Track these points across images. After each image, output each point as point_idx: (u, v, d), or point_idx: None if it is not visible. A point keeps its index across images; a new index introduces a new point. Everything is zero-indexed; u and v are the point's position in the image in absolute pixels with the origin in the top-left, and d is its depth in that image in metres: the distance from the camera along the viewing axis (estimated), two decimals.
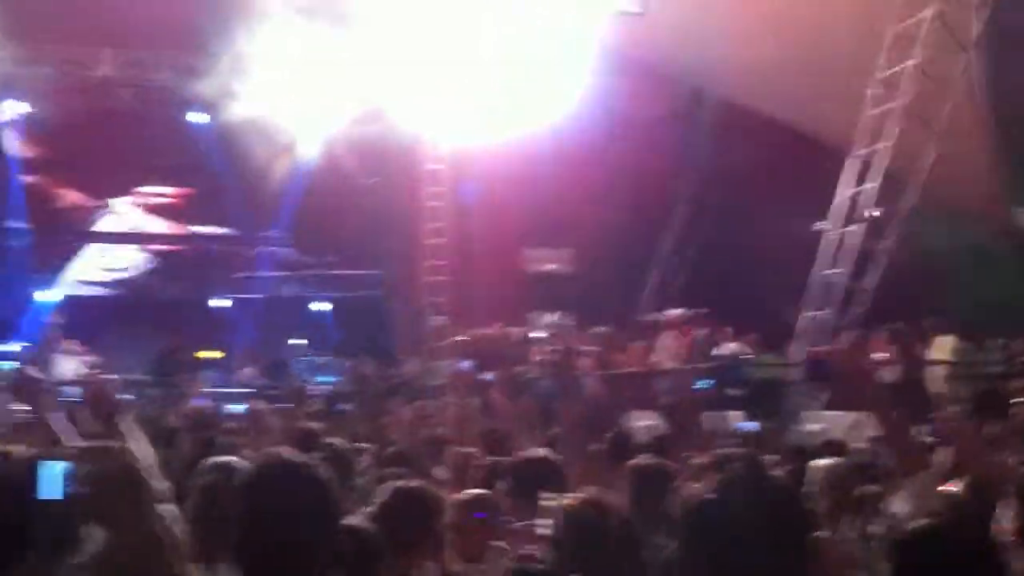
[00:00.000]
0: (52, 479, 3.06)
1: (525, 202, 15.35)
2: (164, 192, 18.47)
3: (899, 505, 3.50)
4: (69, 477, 2.79)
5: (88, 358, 14.73)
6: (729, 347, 12.51)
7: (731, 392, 10.73)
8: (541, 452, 4.77)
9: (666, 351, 12.58)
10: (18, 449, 3.21)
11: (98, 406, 3.74)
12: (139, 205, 18.59)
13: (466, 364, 12.63)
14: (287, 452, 2.70)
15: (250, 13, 13.03)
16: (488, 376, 10.01)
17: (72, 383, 12.77)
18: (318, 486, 2.52)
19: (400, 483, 4.00)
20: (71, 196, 18.37)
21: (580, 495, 3.56)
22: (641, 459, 4.63)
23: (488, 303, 15.07)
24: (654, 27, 13.17)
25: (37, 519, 3.08)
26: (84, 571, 2.91)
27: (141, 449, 3.33)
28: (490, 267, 15.90)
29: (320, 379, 13.78)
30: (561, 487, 4.01)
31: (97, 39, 15.11)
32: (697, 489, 2.47)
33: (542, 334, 14.63)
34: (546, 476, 4.30)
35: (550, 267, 16.73)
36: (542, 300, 15.54)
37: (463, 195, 15.15)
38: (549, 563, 3.31)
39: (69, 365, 14.25)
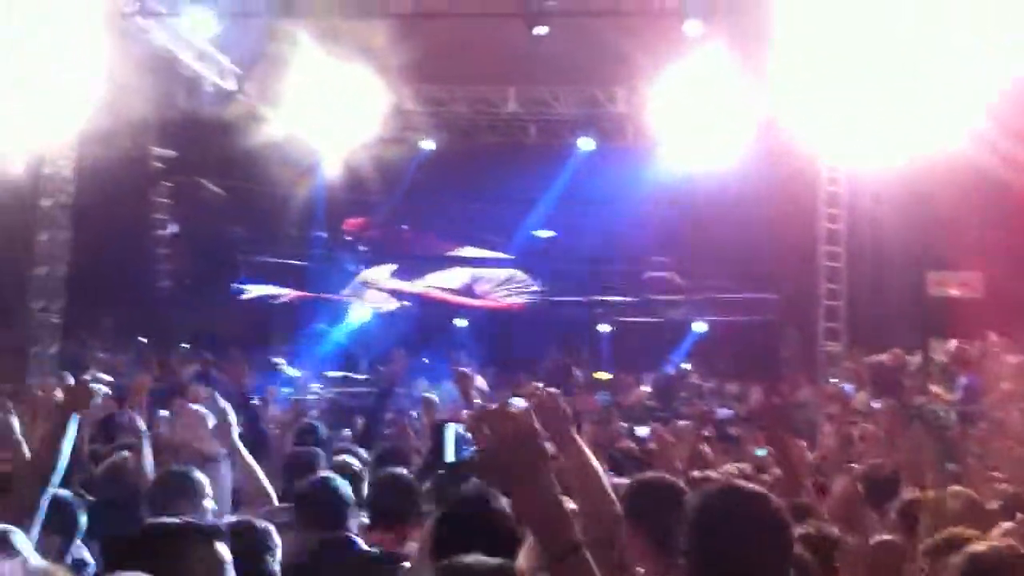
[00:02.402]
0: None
1: (927, 224, 14.56)
2: None
3: None
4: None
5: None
6: None
7: None
8: None
9: None
10: None
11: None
12: None
13: (849, 388, 12.22)
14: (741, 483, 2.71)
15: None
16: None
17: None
18: (772, 516, 2.51)
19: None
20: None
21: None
22: None
23: (887, 328, 14.41)
24: None
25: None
26: None
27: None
28: (890, 291, 15.22)
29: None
30: None
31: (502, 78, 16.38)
32: None
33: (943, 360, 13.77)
34: None
35: (954, 292, 15.65)
36: (946, 326, 14.59)
37: (861, 218, 14.63)
38: None
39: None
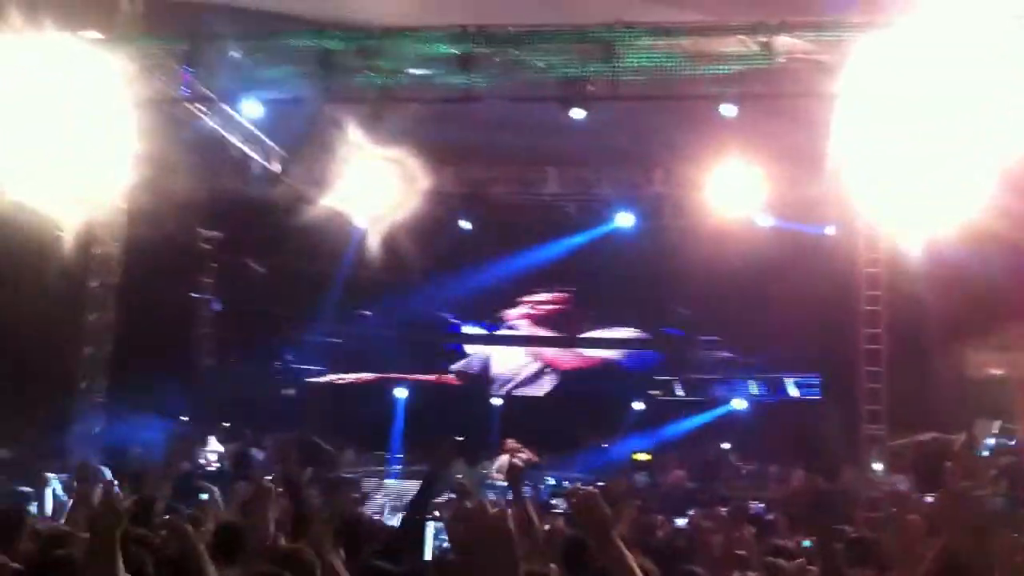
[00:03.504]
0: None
1: (968, 304, 14.41)
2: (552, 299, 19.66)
3: None
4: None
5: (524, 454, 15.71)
6: None
7: None
8: None
9: None
10: None
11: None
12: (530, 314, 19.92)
13: (902, 481, 11.96)
14: None
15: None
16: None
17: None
18: None
19: None
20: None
21: None
22: None
23: (931, 409, 14.21)
24: None
25: None
26: None
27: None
28: (933, 371, 15.03)
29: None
30: None
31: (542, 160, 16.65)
32: None
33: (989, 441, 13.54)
34: None
35: (996, 371, 15.44)
36: (989, 407, 14.35)
37: (901, 298, 14.51)
38: None
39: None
